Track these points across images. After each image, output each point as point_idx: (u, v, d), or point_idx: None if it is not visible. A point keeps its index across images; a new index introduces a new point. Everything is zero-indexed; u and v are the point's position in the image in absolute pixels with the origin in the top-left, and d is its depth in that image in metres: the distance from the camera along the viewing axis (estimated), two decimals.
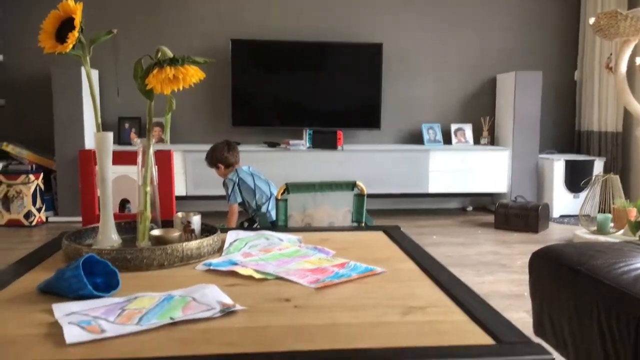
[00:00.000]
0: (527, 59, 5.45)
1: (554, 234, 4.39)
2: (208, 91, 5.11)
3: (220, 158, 3.27)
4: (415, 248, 1.43)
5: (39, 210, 4.60)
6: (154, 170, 1.37)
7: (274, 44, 5.08)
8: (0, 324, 0.91)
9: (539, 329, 1.76)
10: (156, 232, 1.37)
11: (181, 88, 1.25)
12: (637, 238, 3.60)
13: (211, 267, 1.23)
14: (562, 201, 4.98)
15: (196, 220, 1.43)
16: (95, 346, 0.82)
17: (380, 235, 1.59)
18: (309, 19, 5.21)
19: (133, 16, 5.04)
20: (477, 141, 5.39)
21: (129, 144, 4.86)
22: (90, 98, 1.35)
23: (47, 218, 4.71)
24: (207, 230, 1.46)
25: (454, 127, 5.38)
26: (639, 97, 4.18)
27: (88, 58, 1.30)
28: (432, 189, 5.07)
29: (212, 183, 4.25)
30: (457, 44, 5.41)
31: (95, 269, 1.09)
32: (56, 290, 1.04)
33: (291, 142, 4.97)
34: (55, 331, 0.87)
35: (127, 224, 1.49)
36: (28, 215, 4.53)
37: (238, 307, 0.97)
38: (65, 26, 1.24)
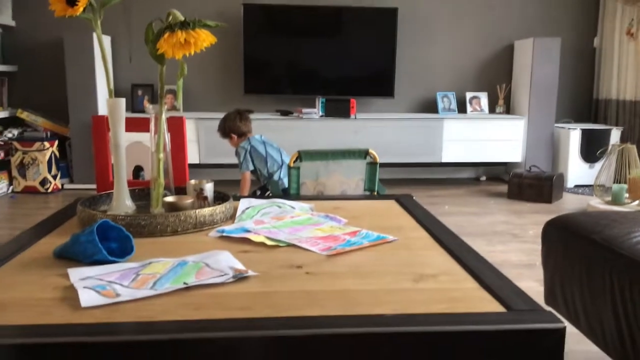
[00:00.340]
0: (546, 25, 5.33)
1: (568, 204, 4.36)
2: (220, 59, 5.07)
3: (233, 128, 3.28)
4: (427, 217, 1.42)
5: (54, 177, 4.64)
6: (167, 137, 1.37)
7: (287, 8, 5.00)
8: (18, 288, 0.93)
9: (550, 298, 1.76)
10: (169, 198, 1.38)
11: (192, 53, 1.24)
12: None
13: (224, 234, 1.24)
14: (577, 171, 4.93)
15: (209, 188, 1.43)
16: (110, 310, 0.83)
17: (392, 204, 1.59)
18: None
19: None
20: (492, 110, 5.32)
21: (142, 111, 4.86)
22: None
23: (62, 185, 4.76)
24: (219, 197, 1.47)
25: (469, 95, 5.31)
26: None
27: (99, 22, 1.29)
28: (446, 158, 5.03)
29: (225, 151, 4.25)
30: (474, 9, 5.30)
31: (109, 234, 1.10)
32: (71, 255, 1.06)
33: (304, 110, 4.94)
34: (70, 295, 0.89)
35: (140, 191, 1.50)
36: (44, 182, 4.58)
37: (250, 273, 0.98)
38: None
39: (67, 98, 4.66)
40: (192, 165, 4.36)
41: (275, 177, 3.19)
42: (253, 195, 2.74)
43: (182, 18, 1.24)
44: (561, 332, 0.78)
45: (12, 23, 4.91)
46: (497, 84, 5.32)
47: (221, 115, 3.38)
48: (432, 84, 5.35)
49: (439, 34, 5.30)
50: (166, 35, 1.23)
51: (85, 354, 0.74)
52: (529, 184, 4.47)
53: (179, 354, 0.74)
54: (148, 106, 1.39)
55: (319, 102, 4.98)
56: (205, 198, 1.42)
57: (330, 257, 1.10)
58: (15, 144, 4.56)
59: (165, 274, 0.97)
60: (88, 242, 1.03)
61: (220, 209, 1.32)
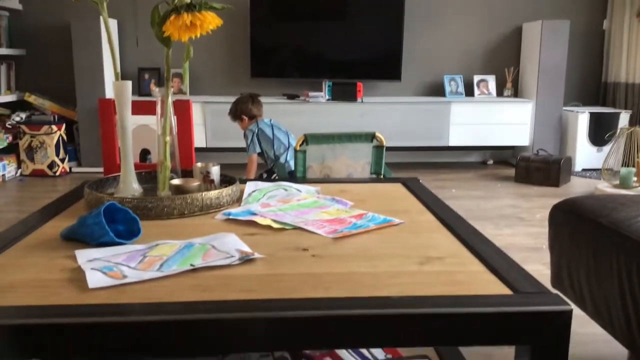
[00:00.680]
0: (555, 8, 5.26)
1: (575, 188, 4.34)
2: (226, 43, 5.04)
3: (245, 110, 3.30)
4: (434, 200, 1.42)
5: (62, 160, 4.66)
6: (173, 120, 1.37)
7: None
8: (26, 269, 0.93)
9: (556, 281, 1.76)
10: (176, 181, 1.38)
11: (198, 35, 1.23)
12: None
13: (230, 217, 1.24)
14: (585, 155, 4.89)
15: (215, 171, 1.43)
16: (117, 291, 0.84)
17: (398, 187, 1.59)
18: None
19: None
20: (500, 93, 5.28)
21: (149, 95, 4.86)
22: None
23: (70, 168, 4.78)
24: (226, 180, 1.47)
25: (476, 78, 5.27)
26: None
27: (105, 4, 1.29)
28: (453, 142, 5.01)
29: (231, 135, 4.25)
30: None
31: (116, 217, 1.11)
32: (79, 237, 1.06)
33: (310, 94, 4.93)
34: (78, 276, 0.89)
35: (147, 174, 1.50)
36: (52, 165, 4.60)
37: (257, 255, 0.99)
38: None
39: (74, 82, 4.66)
40: (198, 149, 4.37)
41: (282, 159, 3.20)
42: (259, 178, 2.75)
43: (188, 0, 1.23)
44: (568, 315, 0.77)
45: (20, 7, 4.89)
46: (505, 67, 5.27)
47: (228, 98, 3.38)
48: (440, 67, 5.31)
49: (446, 17, 5.25)
50: (172, 17, 1.22)
51: (92, 334, 0.74)
52: (536, 168, 4.44)
53: (186, 334, 0.75)
54: (155, 89, 1.39)
55: (326, 85, 4.96)
56: (212, 181, 1.42)
57: (337, 239, 1.10)
58: (23, 127, 4.58)
59: (172, 255, 0.97)
60: (95, 224, 1.04)
61: (226, 191, 1.32)
